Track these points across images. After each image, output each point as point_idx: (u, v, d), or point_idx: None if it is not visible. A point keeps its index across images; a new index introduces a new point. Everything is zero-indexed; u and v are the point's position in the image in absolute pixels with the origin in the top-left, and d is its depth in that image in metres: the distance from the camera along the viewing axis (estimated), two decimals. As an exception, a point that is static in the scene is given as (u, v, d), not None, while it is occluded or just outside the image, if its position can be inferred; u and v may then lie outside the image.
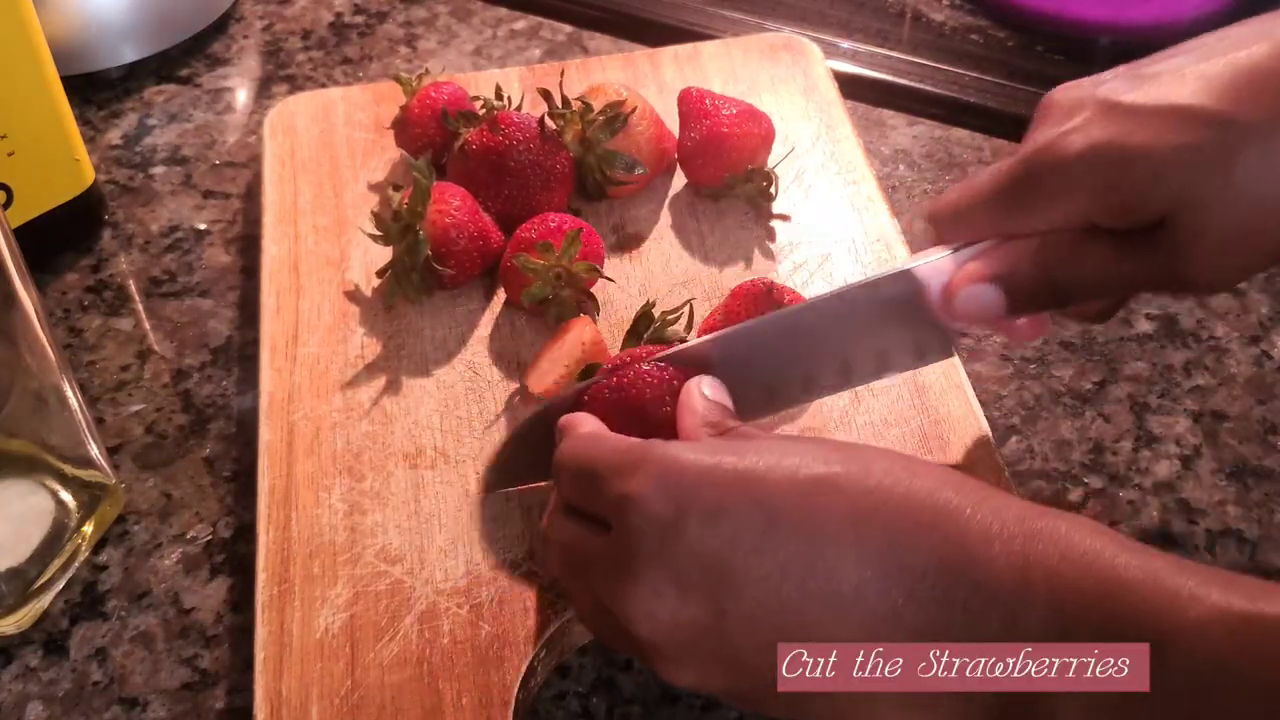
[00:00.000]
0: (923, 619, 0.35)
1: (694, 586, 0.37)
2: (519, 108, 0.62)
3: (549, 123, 0.61)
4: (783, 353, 0.48)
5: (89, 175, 0.65)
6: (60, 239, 0.65)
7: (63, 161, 0.63)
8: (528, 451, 0.49)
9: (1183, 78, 0.42)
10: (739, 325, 0.49)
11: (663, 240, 0.62)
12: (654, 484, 0.38)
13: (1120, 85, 0.43)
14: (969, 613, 0.35)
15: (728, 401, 0.45)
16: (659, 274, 0.60)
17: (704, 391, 0.45)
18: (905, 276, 0.46)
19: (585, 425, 0.45)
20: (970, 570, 0.35)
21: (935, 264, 0.46)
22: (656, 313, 0.53)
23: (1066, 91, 0.44)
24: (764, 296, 0.53)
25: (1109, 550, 0.35)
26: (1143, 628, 0.33)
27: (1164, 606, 0.33)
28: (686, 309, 0.54)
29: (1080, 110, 0.43)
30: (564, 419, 0.46)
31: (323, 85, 0.76)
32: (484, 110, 0.62)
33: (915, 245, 0.63)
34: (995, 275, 0.44)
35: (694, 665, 0.38)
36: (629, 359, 0.48)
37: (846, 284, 0.48)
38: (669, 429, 0.45)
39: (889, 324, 0.48)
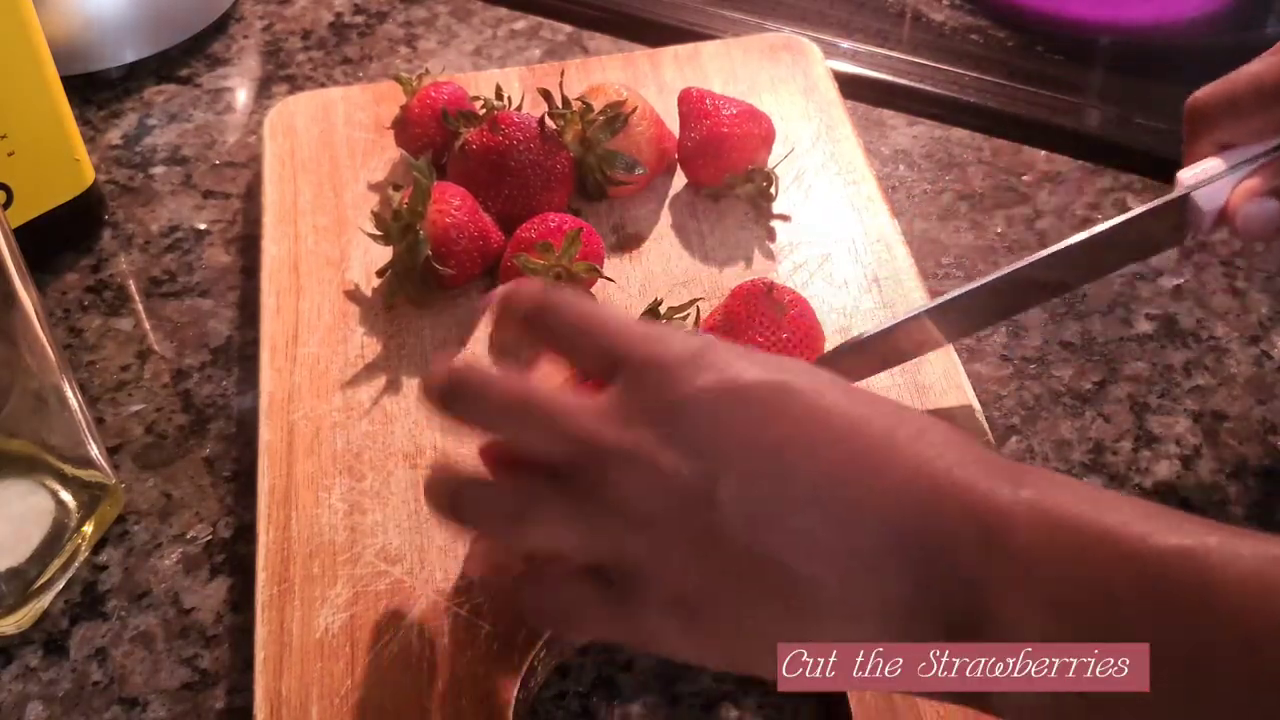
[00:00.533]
0: (895, 524, 0.35)
1: (697, 450, 0.36)
2: (519, 108, 0.62)
3: (549, 123, 0.61)
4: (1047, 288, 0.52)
5: (89, 175, 0.65)
6: (60, 239, 0.65)
7: (63, 161, 0.63)
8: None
9: None
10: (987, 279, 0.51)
11: (663, 240, 0.62)
12: (681, 353, 0.38)
13: None
14: (942, 527, 0.35)
15: None
16: (659, 274, 0.60)
17: None
18: (1183, 203, 0.47)
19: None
20: (954, 490, 0.35)
21: (1213, 184, 0.47)
22: (664, 309, 0.53)
23: None
24: (764, 297, 0.53)
25: (1091, 488, 0.36)
26: (1126, 550, 0.33)
27: (1144, 534, 0.34)
28: (694, 309, 0.54)
29: None
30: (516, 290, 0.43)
31: (323, 85, 0.76)
32: (484, 110, 0.62)
33: (915, 245, 0.63)
34: (1275, 188, 0.45)
35: (662, 536, 0.37)
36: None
37: (1116, 220, 0.49)
38: None
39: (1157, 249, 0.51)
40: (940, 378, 0.54)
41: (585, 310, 0.41)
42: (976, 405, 0.53)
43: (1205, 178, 0.47)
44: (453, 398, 0.40)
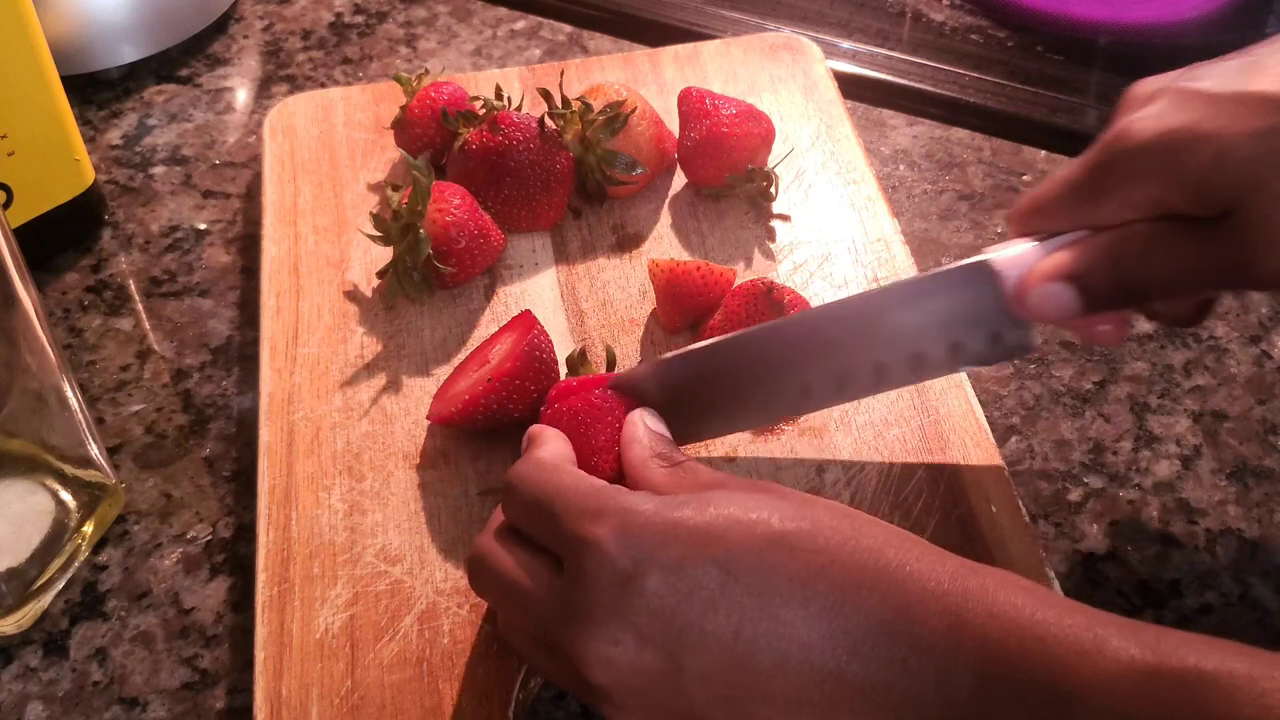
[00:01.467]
0: (865, 676, 0.37)
1: (651, 639, 0.38)
2: (519, 108, 0.62)
3: (549, 123, 0.61)
4: (841, 344, 0.48)
5: (89, 175, 0.65)
6: (60, 239, 0.65)
7: (63, 161, 0.63)
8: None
9: (1256, 70, 0.42)
10: (808, 311, 0.49)
11: (663, 240, 0.62)
12: (615, 533, 0.39)
13: (1199, 74, 0.43)
14: (907, 672, 0.36)
15: (666, 432, 0.47)
16: (659, 274, 0.60)
17: (646, 424, 0.47)
18: (982, 267, 0.46)
19: (549, 445, 0.46)
20: (907, 630, 0.36)
21: (1016, 256, 0.45)
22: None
23: (1142, 84, 0.45)
24: (763, 297, 0.53)
25: (1029, 606, 0.36)
26: (1058, 683, 0.34)
27: (1077, 661, 0.35)
28: None
29: (1155, 100, 0.43)
30: (532, 429, 0.47)
31: (323, 85, 0.76)
32: (484, 110, 0.62)
33: (915, 245, 0.63)
34: (1069, 273, 0.44)
35: (644, 713, 0.39)
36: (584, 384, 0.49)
37: (915, 275, 0.47)
38: (613, 455, 0.47)
39: (961, 316, 0.47)
40: (940, 377, 0.54)
41: (543, 481, 0.42)
42: (985, 427, 0.53)
43: (1010, 249, 0.46)
44: (471, 579, 0.44)
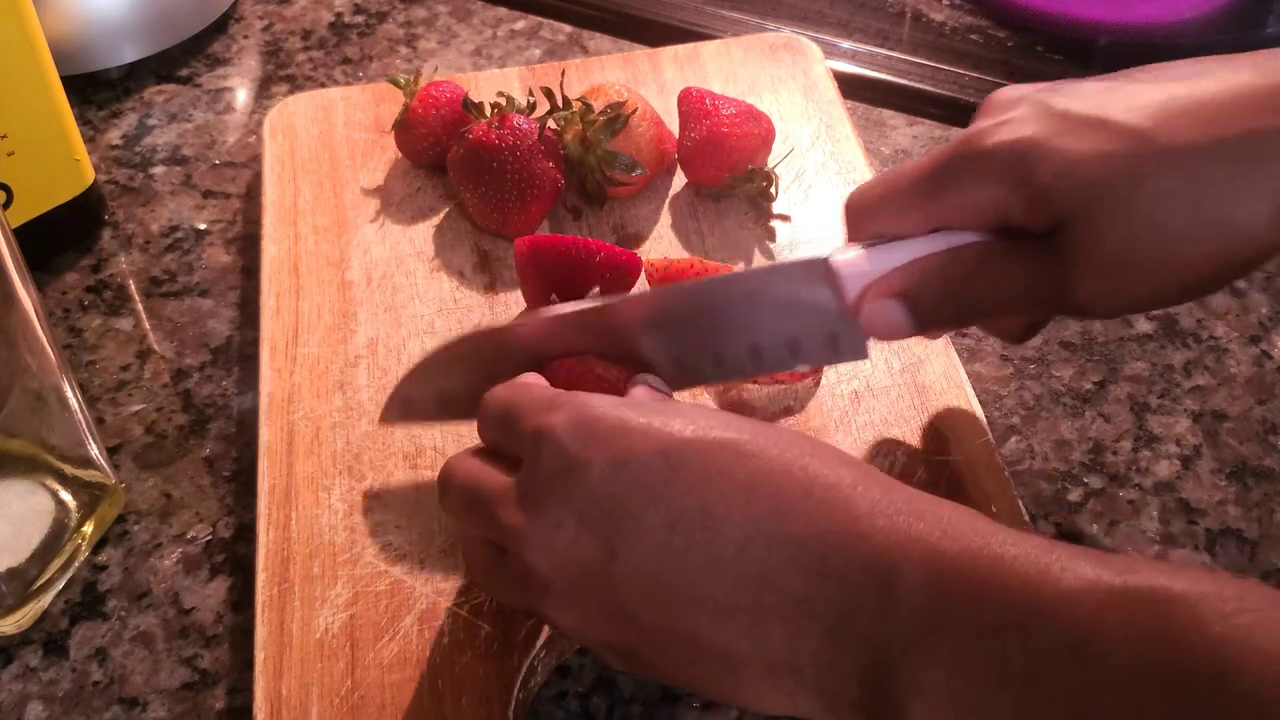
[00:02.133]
0: (800, 585, 0.36)
1: (591, 524, 0.38)
2: (533, 114, 0.62)
3: (550, 124, 0.61)
4: (692, 326, 0.48)
5: (89, 175, 0.65)
6: (60, 239, 0.65)
7: (62, 161, 0.63)
8: (435, 383, 0.51)
9: (1116, 95, 0.42)
10: (651, 291, 0.49)
11: (663, 240, 0.62)
12: (568, 422, 0.40)
13: (1056, 90, 0.44)
14: (846, 583, 0.36)
15: (669, 392, 0.47)
16: (659, 274, 0.60)
17: (649, 383, 0.46)
18: (817, 266, 0.46)
19: (526, 377, 0.46)
20: (851, 544, 0.36)
21: (854, 259, 0.45)
22: None
23: (1007, 91, 0.45)
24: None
25: (987, 529, 0.35)
26: (1016, 599, 0.33)
27: (1037, 578, 0.33)
28: None
29: (1014, 108, 0.44)
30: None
31: (323, 85, 0.76)
32: (495, 109, 0.62)
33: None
34: (900, 291, 0.44)
35: (577, 606, 0.39)
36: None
37: (762, 265, 0.47)
38: None
39: (800, 313, 0.47)
40: (940, 377, 0.54)
41: (507, 392, 0.43)
42: (985, 427, 0.53)
43: (849, 251, 0.46)
44: (440, 494, 0.44)
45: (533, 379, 0.45)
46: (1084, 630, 0.32)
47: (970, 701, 0.33)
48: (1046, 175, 0.41)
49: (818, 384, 0.54)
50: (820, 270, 0.46)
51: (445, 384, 0.51)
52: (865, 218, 0.47)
